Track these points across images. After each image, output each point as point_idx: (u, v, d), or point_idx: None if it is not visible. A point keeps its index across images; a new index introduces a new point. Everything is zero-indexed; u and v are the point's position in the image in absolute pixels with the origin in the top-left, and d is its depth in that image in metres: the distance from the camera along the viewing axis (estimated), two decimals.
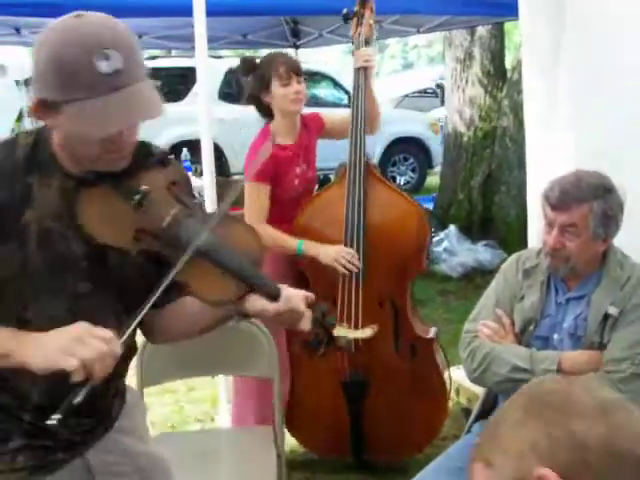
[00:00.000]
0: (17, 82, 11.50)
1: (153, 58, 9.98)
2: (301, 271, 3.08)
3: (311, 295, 1.57)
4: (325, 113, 3.34)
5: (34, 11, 4.11)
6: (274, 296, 1.50)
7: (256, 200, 2.97)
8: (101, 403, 1.60)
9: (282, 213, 3.05)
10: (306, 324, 1.55)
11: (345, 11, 3.10)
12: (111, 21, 1.34)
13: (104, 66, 1.28)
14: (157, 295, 1.40)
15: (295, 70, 3.00)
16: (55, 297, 1.45)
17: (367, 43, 3.07)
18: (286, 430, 3.00)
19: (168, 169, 1.53)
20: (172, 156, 1.59)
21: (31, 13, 4.20)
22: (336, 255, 2.91)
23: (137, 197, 1.42)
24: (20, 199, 1.39)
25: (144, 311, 1.40)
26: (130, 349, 1.60)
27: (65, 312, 1.44)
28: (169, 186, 1.49)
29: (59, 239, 1.43)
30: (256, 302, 1.49)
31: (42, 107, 1.34)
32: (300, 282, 3.08)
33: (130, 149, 1.42)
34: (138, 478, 1.71)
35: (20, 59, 10.69)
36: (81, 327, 1.33)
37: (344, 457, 3.21)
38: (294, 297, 1.52)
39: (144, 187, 1.43)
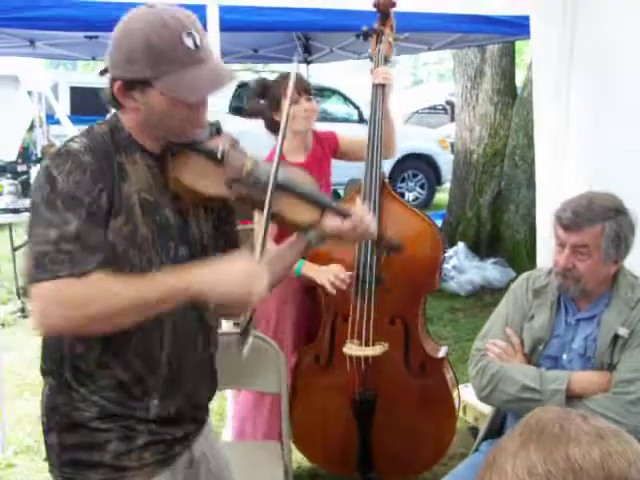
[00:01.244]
0: (29, 93, 11.55)
1: None
2: (313, 287, 3.04)
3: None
4: (342, 134, 3.30)
5: (48, 24, 4.14)
6: (346, 213, 1.76)
7: None
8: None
9: None
10: (373, 233, 1.83)
11: (365, 28, 3.04)
12: (181, 9, 1.53)
13: (190, 42, 1.48)
14: (265, 230, 1.63)
15: (303, 88, 2.99)
16: (162, 264, 1.57)
17: (386, 61, 3.01)
18: (293, 444, 3.00)
19: (225, 135, 1.72)
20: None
21: (45, 26, 4.23)
22: (327, 275, 2.87)
23: (220, 154, 1.64)
24: (116, 174, 1.52)
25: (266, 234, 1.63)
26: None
27: None
28: (233, 145, 1.70)
29: (155, 208, 1.58)
30: (333, 222, 1.75)
31: (126, 88, 1.50)
32: (311, 298, 3.09)
33: (205, 120, 1.62)
34: (223, 470, 1.89)
35: (33, 71, 10.75)
36: (249, 262, 1.53)
37: (351, 475, 3.19)
38: (359, 209, 1.79)
39: (221, 146, 1.65)
